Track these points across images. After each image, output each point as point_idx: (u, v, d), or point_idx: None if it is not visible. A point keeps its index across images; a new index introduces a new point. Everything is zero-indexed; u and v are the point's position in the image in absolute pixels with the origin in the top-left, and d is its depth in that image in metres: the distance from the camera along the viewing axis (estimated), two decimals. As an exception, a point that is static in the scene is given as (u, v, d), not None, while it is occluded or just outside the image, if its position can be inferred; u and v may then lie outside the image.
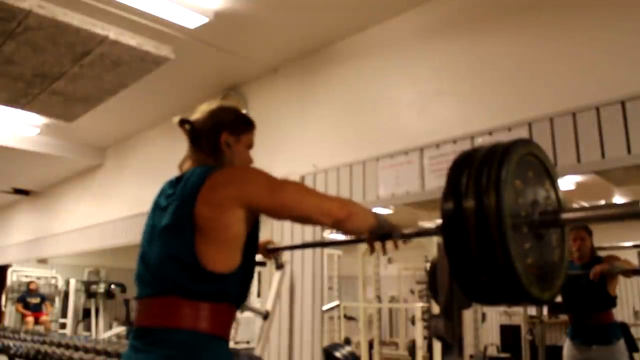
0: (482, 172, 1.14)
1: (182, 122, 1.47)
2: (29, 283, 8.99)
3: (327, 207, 1.32)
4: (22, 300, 8.79)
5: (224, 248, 1.25)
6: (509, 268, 1.09)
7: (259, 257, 2.20)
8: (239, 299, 1.33)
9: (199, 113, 1.50)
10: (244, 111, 1.72)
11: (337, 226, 1.35)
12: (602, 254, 3.28)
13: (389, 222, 1.45)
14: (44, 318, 8.77)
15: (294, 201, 1.30)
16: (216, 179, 1.28)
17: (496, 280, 1.12)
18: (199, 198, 1.25)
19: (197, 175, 1.31)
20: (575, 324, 3.13)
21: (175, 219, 1.27)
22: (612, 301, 3.05)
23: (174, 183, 1.41)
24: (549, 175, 1.35)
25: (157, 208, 1.39)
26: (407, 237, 1.49)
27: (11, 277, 9.03)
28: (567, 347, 3.15)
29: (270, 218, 1.32)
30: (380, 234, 1.45)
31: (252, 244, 1.33)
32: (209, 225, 1.24)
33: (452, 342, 1.35)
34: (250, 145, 1.55)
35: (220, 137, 1.44)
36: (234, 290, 1.29)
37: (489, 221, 1.09)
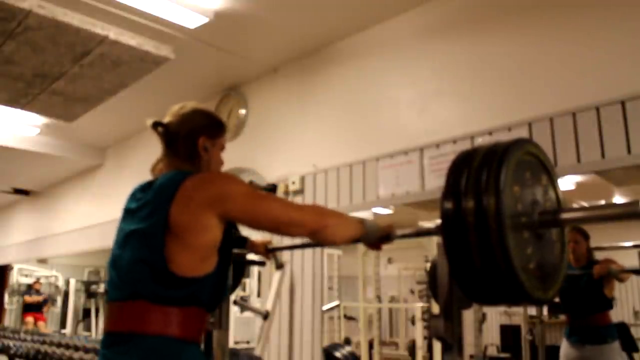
0: (482, 172, 1.14)
1: (156, 125, 1.45)
2: (33, 282, 8.99)
3: (299, 217, 1.30)
4: (25, 296, 8.82)
5: (197, 253, 1.24)
6: (508, 268, 1.08)
7: (259, 257, 2.20)
8: (211, 303, 1.33)
9: (171, 116, 1.47)
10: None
11: (313, 237, 1.34)
12: (602, 254, 3.28)
13: (378, 227, 1.44)
14: (41, 323, 8.78)
15: (265, 210, 1.29)
16: (191, 185, 1.27)
17: (496, 280, 1.11)
18: (173, 204, 1.24)
19: (171, 181, 1.29)
20: (572, 324, 3.18)
21: (148, 224, 1.26)
22: (608, 303, 3.08)
23: (145, 187, 1.39)
24: (549, 175, 1.34)
25: (128, 212, 1.38)
26: (405, 237, 1.50)
27: (17, 276, 9.03)
28: (563, 346, 3.20)
29: (243, 226, 1.33)
30: (374, 239, 1.44)
31: (225, 248, 1.32)
32: (183, 230, 1.23)
33: (452, 342, 1.35)
34: (223, 148, 1.55)
35: (197, 141, 1.42)
36: (205, 295, 1.28)
37: (489, 221, 1.08)
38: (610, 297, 3.06)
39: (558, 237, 1.34)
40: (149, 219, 1.26)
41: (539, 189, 1.29)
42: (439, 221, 1.21)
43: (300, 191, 3.41)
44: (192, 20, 3.09)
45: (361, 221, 1.41)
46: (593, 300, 3.06)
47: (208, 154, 1.44)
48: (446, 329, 1.34)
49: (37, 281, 9.06)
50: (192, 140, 1.42)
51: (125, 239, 1.33)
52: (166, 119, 1.46)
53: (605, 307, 3.08)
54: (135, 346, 1.21)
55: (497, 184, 1.11)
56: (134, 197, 1.41)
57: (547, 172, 1.34)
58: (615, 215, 1.18)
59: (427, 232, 1.51)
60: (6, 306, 9.01)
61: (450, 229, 1.15)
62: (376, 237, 1.43)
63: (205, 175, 1.33)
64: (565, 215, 1.26)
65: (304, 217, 1.31)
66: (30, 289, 8.98)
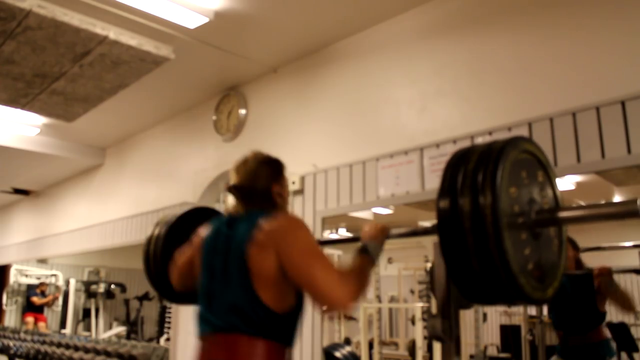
0: (478, 171, 1.13)
1: (230, 190, 1.60)
2: (39, 284, 9.00)
3: (336, 295, 1.35)
4: (29, 297, 8.83)
5: (276, 290, 1.38)
6: (505, 267, 1.07)
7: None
8: (293, 339, 1.47)
9: (239, 175, 1.60)
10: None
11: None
12: (602, 254, 3.25)
13: (378, 243, 1.55)
14: (41, 324, 8.79)
15: (309, 278, 1.37)
16: (265, 226, 1.42)
17: (492, 280, 1.10)
18: (251, 244, 1.39)
19: (251, 222, 1.46)
20: (565, 341, 2.99)
21: (235, 262, 1.41)
22: (601, 317, 2.92)
23: (229, 224, 1.54)
24: (546, 173, 1.33)
25: (214, 248, 1.52)
26: (402, 237, 1.56)
27: (16, 277, 9.04)
28: None
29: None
30: (380, 253, 1.56)
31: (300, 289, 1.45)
32: (259, 269, 1.37)
33: (450, 341, 1.35)
34: (287, 180, 1.69)
35: (272, 191, 1.58)
36: (289, 330, 1.44)
37: (485, 220, 1.07)
38: (602, 311, 2.90)
39: (556, 235, 1.32)
40: (235, 257, 1.41)
41: (536, 187, 1.27)
42: (435, 221, 1.21)
43: (300, 191, 3.42)
44: (192, 20, 3.09)
45: (369, 258, 1.50)
46: (585, 314, 2.90)
47: (281, 196, 1.61)
48: (444, 329, 1.34)
49: (43, 283, 9.07)
50: (267, 192, 1.57)
51: (216, 274, 1.47)
52: (236, 179, 1.59)
53: (598, 322, 2.92)
54: None
55: (493, 183, 1.10)
56: (218, 233, 1.56)
57: (544, 169, 1.32)
58: (614, 213, 1.17)
59: (424, 232, 1.52)
60: (4, 307, 9.01)
61: (447, 228, 1.14)
62: (380, 251, 1.55)
63: (278, 219, 1.45)
64: (563, 214, 1.25)
65: (334, 295, 1.35)
66: (33, 289, 8.98)
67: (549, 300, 1.26)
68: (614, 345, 3.01)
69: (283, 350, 1.42)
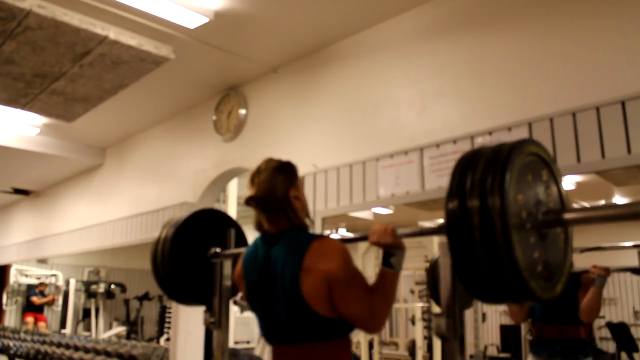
0: (487, 173, 1.14)
1: (249, 202, 1.64)
2: (39, 284, 9.01)
3: (369, 326, 1.52)
4: (29, 297, 8.84)
5: (327, 303, 1.48)
6: (513, 268, 1.09)
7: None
8: (351, 330, 1.57)
9: (256, 186, 1.64)
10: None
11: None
12: (601, 254, 3.25)
13: (400, 255, 1.60)
14: (41, 324, 8.80)
15: (349, 307, 1.48)
16: (313, 252, 1.49)
17: (500, 279, 1.12)
18: (300, 271, 1.48)
19: (293, 245, 1.54)
20: (541, 334, 2.90)
21: (287, 286, 1.50)
22: (580, 321, 2.81)
23: (267, 242, 1.62)
24: (553, 175, 1.34)
25: (263, 267, 1.60)
26: (409, 237, 1.56)
27: (16, 276, 9.04)
28: None
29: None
30: (403, 258, 1.62)
31: None
32: (311, 291, 1.47)
33: (454, 340, 1.36)
34: (302, 183, 1.73)
35: (289, 196, 1.62)
36: (347, 327, 1.54)
37: (494, 223, 1.09)
38: (581, 319, 2.79)
39: (562, 231, 1.35)
40: (286, 282, 1.50)
41: (542, 188, 1.29)
42: (440, 221, 1.21)
43: (300, 191, 3.42)
44: (192, 20, 3.09)
45: (394, 273, 1.57)
46: (564, 309, 2.83)
47: (299, 199, 1.65)
48: (448, 327, 1.35)
49: (43, 283, 9.07)
50: (286, 198, 1.61)
51: (272, 295, 1.56)
52: (252, 191, 1.63)
53: (578, 322, 2.82)
54: None
55: (502, 186, 1.12)
56: (257, 251, 1.64)
57: (550, 171, 1.34)
58: (619, 215, 1.18)
59: (431, 232, 1.52)
60: (4, 307, 9.01)
61: (455, 229, 1.16)
62: (403, 260, 1.60)
63: (323, 246, 1.52)
64: (569, 216, 1.26)
65: (368, 326, 1.52)
66: (33, 289, 8.99)
67: (554, 300, 1.27)
68: (590, 349, 2.90)
69: (345, 343, 1.54)
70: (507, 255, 1.08)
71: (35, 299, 8.88)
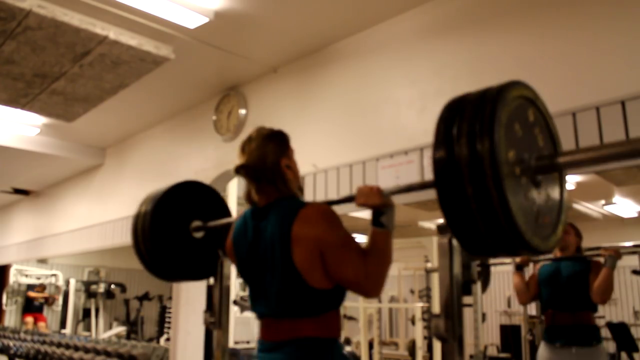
0: (475, 117, 1.08)
1: (239, 170, 1.59)
2: (38, 285, 9.01)
3: (365, 289, 1.46)
4: (28, 296, 8.85)
5: (321, 273, 1.44)
6: (507, 217, 1.03)
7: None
8: (342, 302, 1.54)
9: (246, 154, 1.59)
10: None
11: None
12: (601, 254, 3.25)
13: (387, 210, 1.55)
14: (41, 324, 8.80)
15: (344, 271, 1.44)
16: (300, 220, 1.45)
17: (494, 230, 1.06)
18: (291, 240, 1.43)
19: (283, 214, 1.48)
20: (554, 322, 2.94)
21: (278, 257, 1.45)
22: (593, 305, 2.87)
23: (257, 215, 1.57)
24: (545, 119, 1.28)
25: (249, 243, 1.56)
26: (398, 193, 1.56)
27: (16, 276, 9.04)
28: (542, 349, 2.97)
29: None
30: (393, 214, 1.57)
31: None
32: (303, 261, 1.42)
33: (453, 340, 1.35)
34: (294, 152, 1.69)
35: (281, 165, 1.58)
36: (338, 300, 1.51)
37: (484, 168, 1.03)
38: (594, 301, 2.84)
39: (557, 182, 1.29)
40: (277, 252, 1.45)
41: (535, 134, 1.22)
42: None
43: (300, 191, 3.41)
44: (192, 20, 3.09)
45: (386, 232, 1.52)
46: (577, 295, 2.86)
47: (291, 169, 1.61)
48: (447, 328, 1.35)
49: (42, 285, 9.08)
50: (277, 167, 1.57)
51: (256, 267, 1.53)
52: (243, 159, 1.59)
53: (590, 308, 2.87)
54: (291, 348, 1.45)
55: (491, 129, 1.05)
56: (246, 225, 1.59)
57: (542, 115, 1.28)
58: (618, 154, 1.10)
59: (421, 186, 1.50)
60: (4, 307, 9.01)
61: (444, 179, 1.09)
62: (394, 216, 1.56)
63: (310, 216, 1.46)
64: (564, 159, 1.20)
65: (364, 289, 1.47)
66: (32, 289, 9.00)
67: (550, 251, 1.24)
68: (601, 335, 2.96)
69: (335, 315, 1.50)
70: (499, 201, 1.02)
71: (32, 293, 8.88)
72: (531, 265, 3.27)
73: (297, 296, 1.45)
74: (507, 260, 3.49)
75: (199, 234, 2.17)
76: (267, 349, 1.49)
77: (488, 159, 1.02)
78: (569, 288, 2.91)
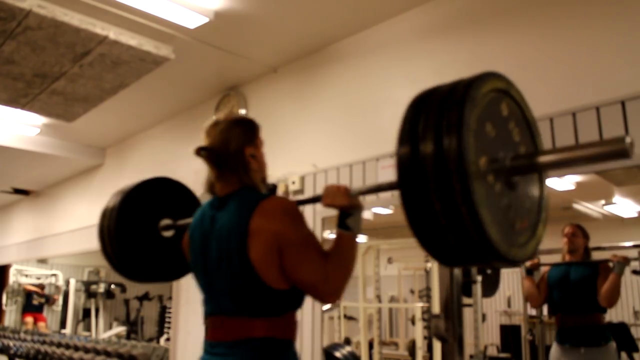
0: (439, 125, 0.97)
1: (200, 151, 1.52)
2: (38, 285, 9.00)
3: (323, 293, 1.37)
4: (29, 295, 8.84)
5: (278, 271, 1.34)
6: (479, 232, 0.92)
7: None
8: (300, 305, 1.45)
9: (210, 137, 1.52)
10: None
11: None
12: (602, 254, 3.26)
13: (354, 213, 1.45)
14: (41, 324, 8.79)
15: (302, 272, 1.35)
16: (261, 212, 1.36)
17: (466, 245, 0.96)
18: (249, 232, 1.33)
19: (242, 206, 1.39)
20: (564, 324, 3.02)
21: (233, 249, 1.35)
22: (601, 308, 2.93)
23: (215, 205, 1.48)
24: (520, 109, 1.18)
25: (205, 233, 1.46)
26: (366, 194, 1.48)
27: (15, 277, 9.04)
28: (554, 350, 3.05)
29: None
30: (359, 217, 1.47)
31: None
32: (259, 256, 1.33)
33: (453, 341, 1.35)
34: (262, 143, 1.59)
35: (245, 153, 1.49)
36: (296, 302, 1.42)
37: (450, 168, 0.92)
38: (602, 305, 2.90)
39: (536, 182, 1.18)
40: (232, 244, 1.35)
41: (510, 129, 1.11)
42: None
43: (300, 191, 3.42)
44: (192, 20, 3.09)
45: (351, 235, 1.43)
46: (585, 298, 2.93)
47: (255, 159, 1.51)
48: (447, 329, 1.35)
49: (41, 285, 9.07)
50: (240, 154, 1.48)
51: (210, 259, 1.42)
52: (207, 141, 1.52)
53: (598, 310, 2.93)
54: (242, 348, 1.35)
55: (459, 125, 0.93)
56: (204, 215, 1.49)
57: (517, 105, 1.17)
58: (600, 154, 1.00)
59: (389, 187, 1.39)
60: (4, 307, 9.01)
61: (407, 180, 0.98)
62: (360, 219, 1.46)
63: (271, 209, 1.37)
64: (544, 159, 1.08)
65: (322, 294, 1.38)
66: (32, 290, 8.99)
67: (530, 258, 1.16)
68: (609, 335, 3.02)
69: (290, 319, 1.42)
70: (471, 220, 0.92)
71: (29, 287, 8.85)
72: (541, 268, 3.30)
73: (251, 294, 1.35)
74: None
75: (168, 233, 2.06)
76: (217, 352, 1.38)
77: (456, 171, 0.92)
78: (578, 292, 2.98)
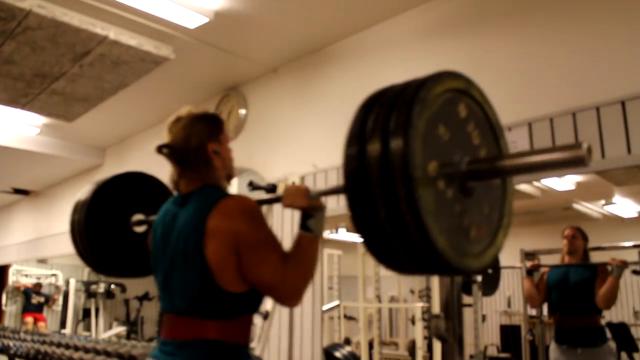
0: (391, 113, 0.93)
1: (161, 148, 1.46)
2: (35, 284, 9.00)
3: (282, 296, 1.35)
4: (27, 294, 8.83)
5: (236, 273, 1.31)
6: (426, 243, 0.87)
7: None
8: (256, 309, 1.42)
9: (171, 133, 1.47)
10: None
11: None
12: (602, 253, 3.27)
13: (316, 214, 1.44)
14: (41, 324, 8.79)
15: (258, 272, 1.32)
16: (219, 211, 1.32)
17: (414, 256, 0.91)
18: (205, 232, 1.31)
19: (202, 204, 1.36)
20: (561, 325, 3.07)
21: (190, 248, 1.33)
22: (598, 309, 2.97)
23: (178, 202, 1.45)
24: (487, 118, 1.12)
25: (165, 230, 1.44)
26: (325, 195, 1.44)
27: (15, 277, 9.04)
28: (552, 350, 3.10)
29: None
30: (322, 218, 1.45)
31: None
32: (215, 255, 1.30)
33: (453, 341, 1.35)
34: (228, 139, 1.54)
35: (207, 150, 1.45)
36: (252, 305, 1.39)
37: (395, 174, 0.87)
38: (600, 307, 2.95)
39: (498, 187, 1.11)
40: (189, 243, 1.33)
41: (469, 131, 1.04)
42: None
43: (300, 191, 3.41)
44: (192, 20, 3.09)
45: (313, 237, 1.40)
46: (582, 299, 2.98)
47: (219, 155, 1.47)
48: (447, 329, 1.35)
49: (39, 283, 9.07)
50: (202, 151, 1.44)
51: (168, 256, 1.40)
52: (169, 138, 1.47)
53: (595, 311, 2.98)
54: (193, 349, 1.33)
55: (405, 128, 0.88)
56: (168, 212, 1.47)
57: (479, 106, 1.11)
58: (561, 160, 0.95)
59: (334, 191, 1.39)
60: (4, 307, 9.01)
61: (353, 183, 0.93)
62: (323, 220, 1.44)
63: (230, 208, 1.35)
64: (504, 163, 1.01)
65: (281, 296, 1.36)
66: (30, 290, 8.99)
67: (487, 267, 1.08)
68: (608, 335, 3.07)
69: (245, 321, 1.38)
70: (417, 229, 0.86)
71: (21, 284, 8.84)
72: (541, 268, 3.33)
73: (204, 295, 1.31)
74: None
75: (140, 228, 2.01)
76: (166, 350, 1.35)
77: (400, 177, 0.86)
78: (576, 294, 3.01)
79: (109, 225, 2.00)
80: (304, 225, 1.40)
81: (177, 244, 1.36)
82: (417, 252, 0.90)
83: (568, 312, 3.03)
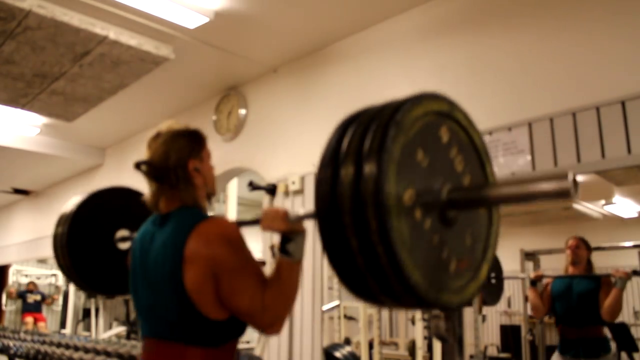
0: (365, 136, 0.87)
1: (139, 165, 1.40)
2: (28, 284, 9.00)
3: (261, 324, 1.30)
4: (22, 296, 8.83)
5: (214, 300, 1.27)
6: (393, 266, 0.81)
7: (258, 256, 2.19)
8: (241, 334, 1.37)
9: (151, 150, 1.42)
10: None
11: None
12: (602, 254, 3.27)
13: (296, 239, 1.37)
14: (41, 324, 8.79)
15: (237, 299, 1.28)
16: (197, 236, 1.27)
17: (388, 292, 0.85)
18: (184, 254, 1.26)
19: (180, 227, 1.31)
20: (565, 335, 3.09)
21: (167, 272, 1.28)
22: (601, 320, 2.98)
23: (157, 222, 1.39)
24: (472, 142, 1.05)
25: (145, 250, 1.38)
26: (304, 219, 1.36)
27: (15, 277, 9.04)
28: None
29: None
30: (302, 243, 1.38)
31: None
32: (193, 281, 1.25)
33: (453, 341, 1.35)
34: (209, 155, 1.49)
35: (187, 167, 1.39)
36: (236, 332, 1.34)
37: (366, 202, 0.81)
38: (603, 318, 2.95)
39: (482, 216, 1.04)
40: (166, 267, 1.28)
41: (451, 157, 0.98)
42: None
43: (300, 191, 3.41)
44: (192, 20, 3.09)
45: (293, 261, 1.34)
46: (586, 311, 3.00)
47: (200, 172, 1.42)
48: (447, 329, 1.34)
49: (32, 282, 9.08)
50: (182, 169, 1.39)
51: (146, 279, 1.36)
52: (147, 154, 1.42)
53: (598, 322, 3.00)
54: None
55: (378, 153, 0.82)
56: (147, 233, 1.41)
57: (468, 137, 1.04)
58: (546, 192, 0.87)
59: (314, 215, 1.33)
60: (4, 307, 9.02)
61: (323, 210, 0.88)
62: (303, 246, 1.37)
63: (208, 233, 1.29)
64: (488, 192, 0.94)
65: (260, 324, 1.30)
66: (27, 290, 9.00)
67: (469, 301, 1.01)
68: (612, 345, 3.08)
69: (229, 349, 1.34)
70: (389, 264, 0.80)
71: (13, 291, 8.83)
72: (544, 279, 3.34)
73: (185, 322, 1.26)
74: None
75: (124, 245, 1.95)
76: None
77: (372, 205, 0.80)
78: (580, 305, 3.03)
79: (92, 240, 1.94)
80: (283, 250, 1.33)
81: (155, 268, 1.32)
82: (390, 287, 0.84)
83: (572, 324, 3.05)
